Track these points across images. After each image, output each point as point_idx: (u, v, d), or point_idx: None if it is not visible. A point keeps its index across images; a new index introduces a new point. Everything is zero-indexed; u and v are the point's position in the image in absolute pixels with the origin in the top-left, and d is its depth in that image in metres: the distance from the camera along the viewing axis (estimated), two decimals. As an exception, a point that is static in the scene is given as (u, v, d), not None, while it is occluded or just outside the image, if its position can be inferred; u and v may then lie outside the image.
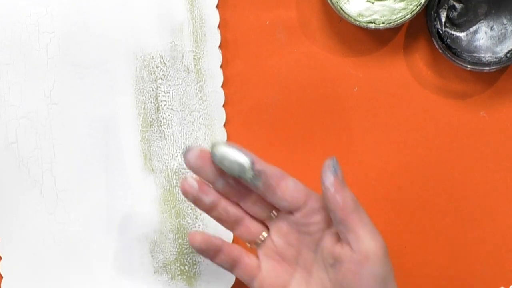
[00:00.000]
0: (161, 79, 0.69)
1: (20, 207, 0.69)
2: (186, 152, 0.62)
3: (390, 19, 0.66)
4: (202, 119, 0.69)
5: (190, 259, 0.70)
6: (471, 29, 0.68)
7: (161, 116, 0.69)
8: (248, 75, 0.69)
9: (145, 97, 0.69)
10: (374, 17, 0.66)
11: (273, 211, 0.63)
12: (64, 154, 0.69)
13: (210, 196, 0.62)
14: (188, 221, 0.70)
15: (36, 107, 0.69)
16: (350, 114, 0.69)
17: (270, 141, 0.70)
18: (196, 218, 0.70)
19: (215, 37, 0.68)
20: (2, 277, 0.70)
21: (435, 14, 0.66)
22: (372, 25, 0.66)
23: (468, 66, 0.67)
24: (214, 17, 0.68)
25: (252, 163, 0.61)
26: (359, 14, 0.66)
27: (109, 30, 0.68)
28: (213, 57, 0.68)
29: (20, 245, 0.70)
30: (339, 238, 0.61)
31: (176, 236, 0.70)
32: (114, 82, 0.69)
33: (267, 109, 0.70)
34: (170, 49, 0.68)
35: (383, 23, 0.66)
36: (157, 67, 0.68)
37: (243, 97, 0.69)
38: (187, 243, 0.70)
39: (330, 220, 0.61)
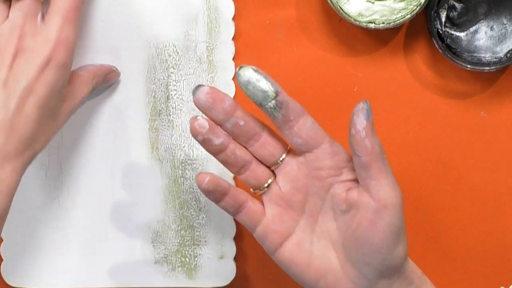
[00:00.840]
0: (173, 68, 0.68)
1: (24, 189, 0.68)
2: (196, 89, 0.60)
3: (390, 19, 0.66)
4: None
5: (191, 251, 0.70)
6: (471, 29, 0.68)
7: (171, 105, 0.69)
8: (248, 75, 0.69)
9: (156, 86, 0.69)
10: (374, 17, 0.66)
11: (281, 157, 0.62)
12: (71, 139, 0.69)
13: (219, 137, 0.61)
14: (192, 213, 0.69)
15: None
16: (350, 114, 0.69)
17: (270, 141, 0.70)
18: (200, 210, 0.69)
19: (229, 29, 0.68)
20: (2, 260, 0.70)
21: (435, 14, 0.66)
22: (372, 25, 0.66)
23: (468, 66, 0.67)
24: (229, 9, 0.68)
25: (276, 93, 0.59)
26: (359, 14, 0.66)
27: (122, 16, 0.68)
28: (226, 49, 0.68)
29: (21, 228, 0.70)
30: (351, 186, 0.60)
31: (179, 227, 0.70)
32: (125, 68, 0.68)
33: (267, 109, 0.70)
34: (184, 39, 0.68)
35: (383, 23, 0.66)
36: (169, 55, 0.68)
37: (242, 96, 0.69)
38: (189, 235, 0.70)
39: (341, 167, 0.60)
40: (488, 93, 0.69)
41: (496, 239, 0.70)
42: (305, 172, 0.61)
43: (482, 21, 0.68)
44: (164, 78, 0.68)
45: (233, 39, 0.68)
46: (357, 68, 0.69)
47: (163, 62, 0.68)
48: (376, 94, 0.69)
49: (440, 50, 0.67)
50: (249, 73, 0.59)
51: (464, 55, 0.67)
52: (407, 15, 0.66)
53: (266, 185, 0.62)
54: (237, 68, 0.60)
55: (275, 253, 0.62)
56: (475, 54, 0.67)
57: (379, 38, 0.69)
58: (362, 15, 0.66)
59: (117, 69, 0.68)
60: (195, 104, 0.61)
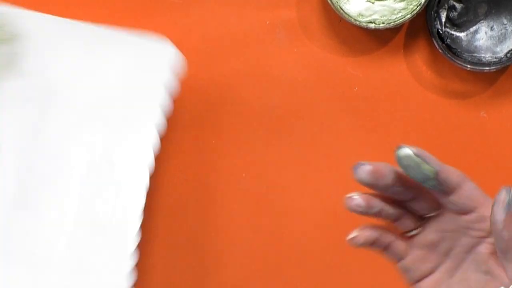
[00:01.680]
0: None
1: None
2: (357, 167, 0.59)
3: (390, 19, 0.66)
4: None
5: None
6: (471, 29, 0.68)
7: None
8: (248, 75, 0.69)
9: None
10: (374, 17, 0.66)
11: (433, 213, 0.61)
12: None
13: (375, 208, 0.60)
14: None
15: None
16: (350, 114, 0.70)
17: (270, 141, 0.70)
18: None
19: None
20: None
21: (435, 14, 0.66)
22: (372, 25, 0.66)
23: (468, 66, 0.67)
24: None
25: (437, 173, 0.58)
26: (359, 14, 0.66)
27: None
28: None
29: None
30: (495, 250, 0.61)
31: None
32: None
33: (267, 109, 0.70)
34: None
35: (383, 23, 0.66)
36: None
37: (243, 97, 0.70)
38: None
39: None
40: (488, 93, 0.69)
41: (496, 239, 0.70)
42: (455, 227, 0.61)
43: (482, 21, 0.68)
44: None
45: None
46: (357, 68, 0.69)
47: None
48: (376, 94, 0.69)
49: (440, 50, 0.67)
50: (410, 158, 0.58)
51: (464, 55, 0.67)
52: (407, 15, 0.66)
53: (413, 232, 0.62)
54: (397, 148, 0.58)
55: (414, 285, 0.62)
56: (475, 54, 0.67)
57: (379, 38, 0.69)
58: (362, 15, 0.66)
59: None
60: (358, 181, 0.59)
